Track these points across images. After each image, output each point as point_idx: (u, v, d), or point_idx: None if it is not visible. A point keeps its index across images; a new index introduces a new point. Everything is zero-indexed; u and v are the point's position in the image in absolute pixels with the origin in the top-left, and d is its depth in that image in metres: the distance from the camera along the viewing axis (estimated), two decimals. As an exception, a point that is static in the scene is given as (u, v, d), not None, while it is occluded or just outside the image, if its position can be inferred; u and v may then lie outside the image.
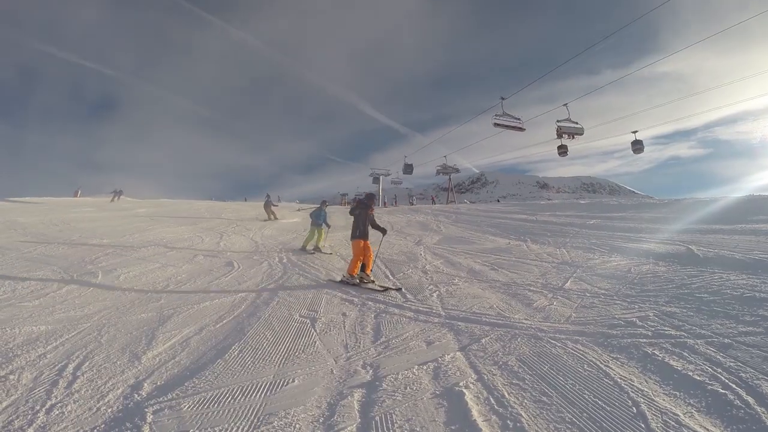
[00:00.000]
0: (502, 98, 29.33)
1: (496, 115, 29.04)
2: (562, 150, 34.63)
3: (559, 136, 31.86)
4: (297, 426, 3.33)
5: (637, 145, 36.08)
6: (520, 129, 29.64)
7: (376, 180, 60.97)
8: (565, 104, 30.46)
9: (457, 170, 57.74)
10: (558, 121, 31.21)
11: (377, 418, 3.46)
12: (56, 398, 3.77)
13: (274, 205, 26.64)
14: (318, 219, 14.89)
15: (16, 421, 3.37)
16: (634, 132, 35.98)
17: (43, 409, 3.55)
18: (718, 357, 4.27)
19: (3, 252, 11.08)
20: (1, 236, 13.95)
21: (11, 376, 4.17)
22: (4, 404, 3.65)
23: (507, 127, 29.18)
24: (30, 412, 3.52)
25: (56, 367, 4.43)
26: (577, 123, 31.21)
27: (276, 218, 25.65)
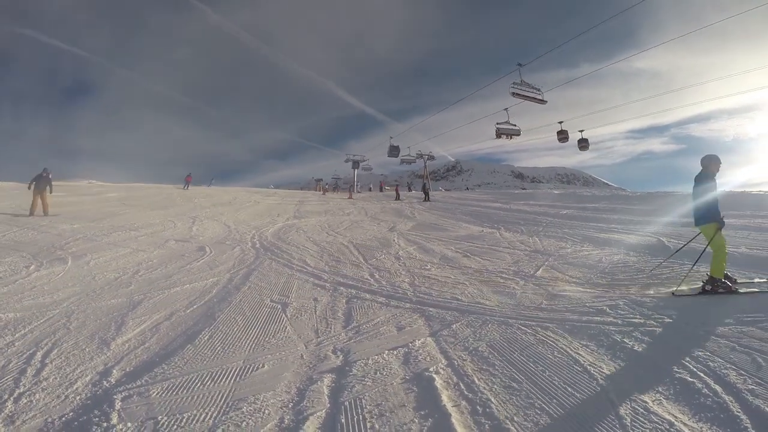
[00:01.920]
0: (520, 65, 26.83)
1: (513, 84, 26.60)
2: (563, 136, 36.95)
3: (498, 136, 34.24)
4: (266, 411, 3.33)
5: (583, 143, 38.51)
6: (541, 101, 27.44)
7: (355, 165, 59.82)
8: (506, 109, 32.47)
9: (433, 158, 56.53)
10: (497, 123, 33.20)
11: (347, 403, 3.46)
12: (24, 387, 3.71)
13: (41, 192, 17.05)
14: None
15: (-17, 411, 3.32)
16: (581, 131, 38.55)
17: (11, 398, 3.50)
18: (686, 346, 4.33)
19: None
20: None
21: (-22, 365, 4.11)
22: (-29, 393, 3.59)
23: (526, 97, 26.94)
24: (-3, 401, 3.47)
25: (24, 355, 4.37)
26: (515, 125, 33.60)
27: (46, 213, 16.54)
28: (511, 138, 34.60)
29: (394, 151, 52.64)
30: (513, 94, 26.51)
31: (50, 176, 17.71)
